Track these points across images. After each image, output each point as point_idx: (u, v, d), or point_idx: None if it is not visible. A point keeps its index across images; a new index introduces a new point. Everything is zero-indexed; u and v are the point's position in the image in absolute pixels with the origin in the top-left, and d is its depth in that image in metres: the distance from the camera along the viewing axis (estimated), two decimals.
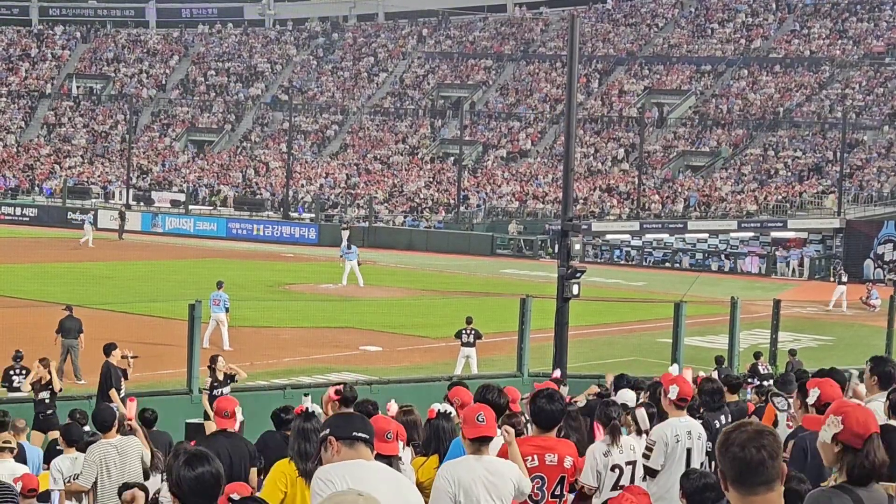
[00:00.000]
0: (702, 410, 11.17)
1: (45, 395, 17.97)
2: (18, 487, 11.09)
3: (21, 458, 13.12)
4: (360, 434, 5.93)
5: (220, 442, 9.99)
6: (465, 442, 7.53)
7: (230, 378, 19.50)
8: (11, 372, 19.86)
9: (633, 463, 9.24)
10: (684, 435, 9.58)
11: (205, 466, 4.82)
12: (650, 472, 9.45)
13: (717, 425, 11.22)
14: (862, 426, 5.19)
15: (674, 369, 15.97)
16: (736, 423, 4.61)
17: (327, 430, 6.00)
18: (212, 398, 17.76)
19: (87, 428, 14.25)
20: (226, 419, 10.25)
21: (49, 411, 17.88)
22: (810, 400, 7.89)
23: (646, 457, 9.45)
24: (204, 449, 5.06)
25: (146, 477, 11.43)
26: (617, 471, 9.14)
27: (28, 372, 19.07)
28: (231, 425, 10.21)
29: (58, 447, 13.90)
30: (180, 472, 4.80)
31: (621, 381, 14.34)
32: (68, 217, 67.99)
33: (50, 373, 18.33)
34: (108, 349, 18.78)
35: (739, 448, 4.42)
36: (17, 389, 19.35)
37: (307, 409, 8.07)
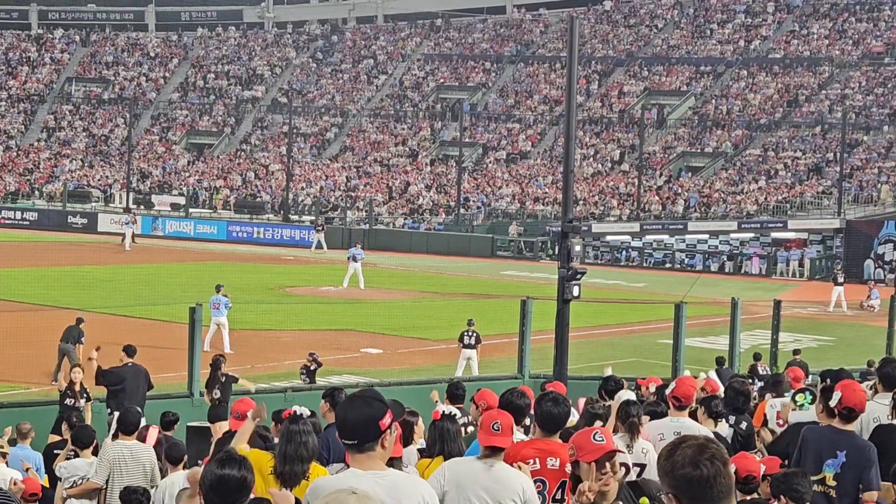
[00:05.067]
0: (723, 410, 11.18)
1: (82, 401, 17.86)
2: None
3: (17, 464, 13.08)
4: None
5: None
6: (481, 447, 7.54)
7: (233, 379, 19.61)
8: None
9: (641, 466, 9.19)
10: (670, 435, 9.52)
11: (232, 469, 4.83)
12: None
13: (745, 427, 11.27)
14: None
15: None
16: (672, 442, 4.36)
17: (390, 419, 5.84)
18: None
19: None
20: (237, 420, 10.25)
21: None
22: (832, 402, 7.83)
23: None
24: (241, 455, 5.07)
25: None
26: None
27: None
28: (239, 427, 10.22)
29: (55, 451, 13.89)
30: (209, 468, 4.84)
31: (608, 383, 14.20)
32: (68, 221, 67.97)
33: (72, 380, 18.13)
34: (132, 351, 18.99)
35: (692, 466, 4.18)
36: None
37: (295, 411, 8.09)
